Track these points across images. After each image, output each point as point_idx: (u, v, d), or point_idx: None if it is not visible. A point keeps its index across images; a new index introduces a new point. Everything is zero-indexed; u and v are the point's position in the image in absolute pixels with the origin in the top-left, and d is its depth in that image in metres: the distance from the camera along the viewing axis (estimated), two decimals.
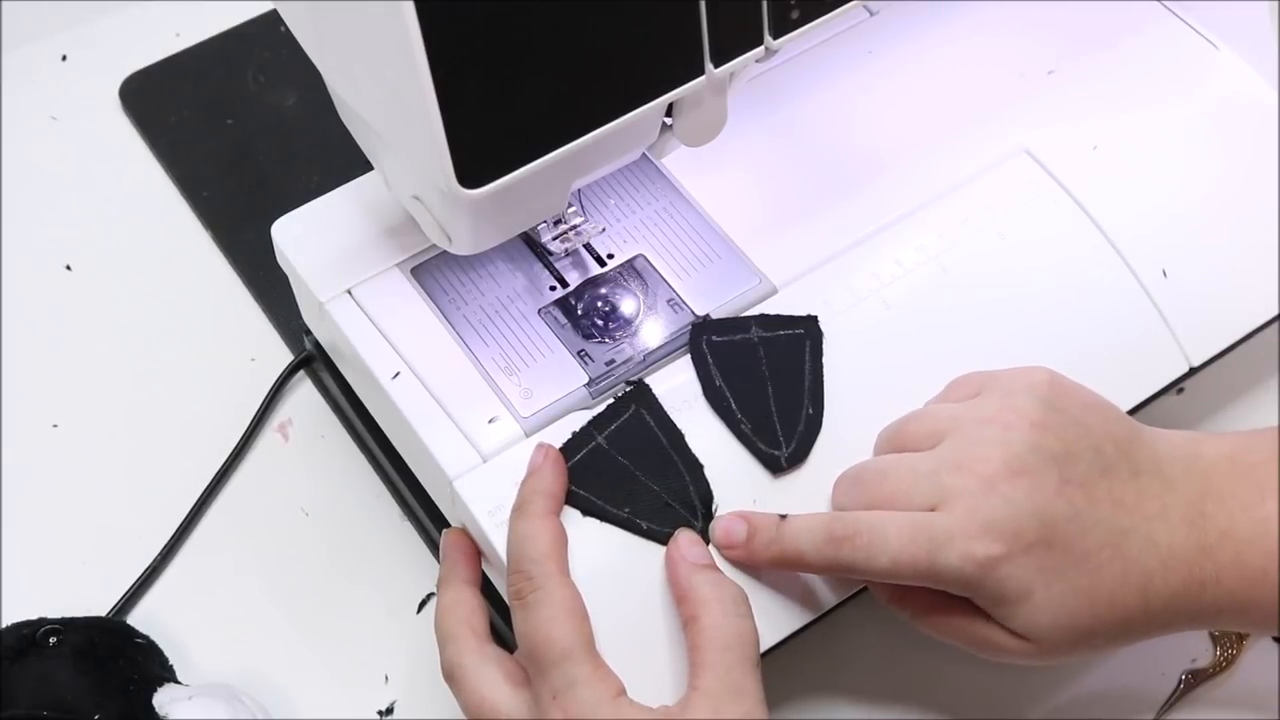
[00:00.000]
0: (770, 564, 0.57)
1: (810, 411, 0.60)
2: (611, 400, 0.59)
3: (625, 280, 0.63)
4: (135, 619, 0.67)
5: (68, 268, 0.78)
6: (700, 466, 0.58)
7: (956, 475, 0.54)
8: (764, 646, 0.57)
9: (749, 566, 0.57)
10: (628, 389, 0.60)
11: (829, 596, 0.58)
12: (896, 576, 0.54)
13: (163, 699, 0.61)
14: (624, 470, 0.58)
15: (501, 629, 0.60)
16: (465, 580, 0.59)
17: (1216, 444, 0.57)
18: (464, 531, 0.60)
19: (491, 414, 0.60)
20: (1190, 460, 0.56)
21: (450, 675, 0.56)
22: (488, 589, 0.60)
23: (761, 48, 0.54)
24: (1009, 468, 0.53)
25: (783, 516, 0.56)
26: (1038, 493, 0.53)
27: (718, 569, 0.56)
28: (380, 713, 0.65)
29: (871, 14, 0.72)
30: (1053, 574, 0.53)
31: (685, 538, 0.57)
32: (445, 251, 0.61)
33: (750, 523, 0.56)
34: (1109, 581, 0.53)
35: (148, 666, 0.63)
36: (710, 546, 0.57)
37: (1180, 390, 0.69)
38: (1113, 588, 0.53)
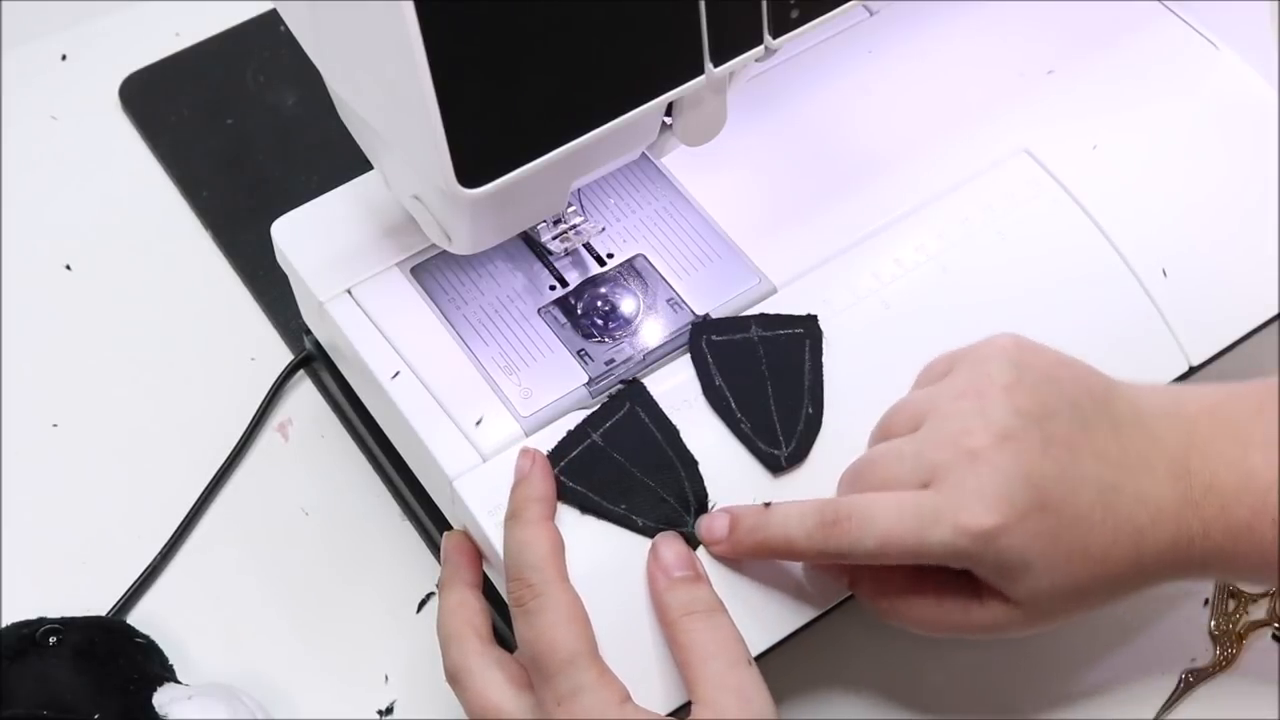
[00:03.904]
0: (757, 553, 0.56)
1: (810, 411, 0.60)
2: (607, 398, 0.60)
3: (625, 280, 0.63)
4: (135, 619, 0.67)
5: (68, 268, 0.78)
6: (695, 463, 0.58)
7: (941, 451, 0.53)
8: (764, 647, 0.57)
9: (736, 559, 0.57)
10: (622, 387, 0.60)
11: (829, 595, 0.58)
12: (885, 557, 0.53)
13: (163, 699, 0.61)
14: (619, 466, 0.58)
15: (503, 630, 0.60)
16: (467, 583, 0.59)
17: (1199, 397, 0.56)
18: (465, 534, 0.60)
19: (491, 413, 0.59)
20: (1173, 414, 0.55)
21: (454, 677, 0.56)
22: (488, 590, 0.60)
23: (761, 47, 0.54)
24: (991, 436, 0.53)
25: (766, 504, 0.55)
26: (1024, 456, 0.52)
27: (690, 579, 0.55)
28: (380, 713, 0.65)
29: (871, 14, 0.72)
30: (1049, 539, 0.52)
31: (664, 549, 0.56)
32: (445, 251, 0.61)
33: (732, 513, 0.56)
34: (1102, 541, 0.53)
35: (148, 666, 0.63)
36: (700, 549, 0.57)
37: None
38: (1106, 546, 0.53)
